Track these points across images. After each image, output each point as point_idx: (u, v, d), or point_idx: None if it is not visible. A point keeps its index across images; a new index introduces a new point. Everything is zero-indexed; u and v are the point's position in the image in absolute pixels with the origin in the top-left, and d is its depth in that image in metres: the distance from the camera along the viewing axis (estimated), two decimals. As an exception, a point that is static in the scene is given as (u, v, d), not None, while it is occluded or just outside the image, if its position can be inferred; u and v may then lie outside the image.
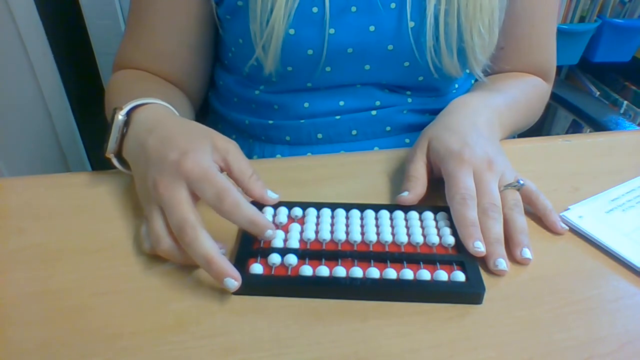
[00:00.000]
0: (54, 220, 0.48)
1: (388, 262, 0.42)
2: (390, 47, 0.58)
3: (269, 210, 0.46)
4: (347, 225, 0.46)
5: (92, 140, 1.27)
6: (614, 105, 1.53)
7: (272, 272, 0.41)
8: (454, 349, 0.36)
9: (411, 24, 0.57)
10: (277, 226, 0.45)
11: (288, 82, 0.61)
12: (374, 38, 0.58)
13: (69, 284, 0.41)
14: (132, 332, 0.37)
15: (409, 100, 0.64)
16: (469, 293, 0.40)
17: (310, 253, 0.43)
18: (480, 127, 0.51)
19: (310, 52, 0.57)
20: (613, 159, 0.59)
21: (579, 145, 0.62)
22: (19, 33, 1.06)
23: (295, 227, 0.45)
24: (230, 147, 0.44)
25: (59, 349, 0.36)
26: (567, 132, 1.58)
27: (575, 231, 0.47)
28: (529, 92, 0.66)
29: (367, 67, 0.60)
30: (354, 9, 0.57)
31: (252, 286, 0.40)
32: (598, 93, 1.55)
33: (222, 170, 0.43)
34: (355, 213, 0.47)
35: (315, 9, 0.56)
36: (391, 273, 0.40)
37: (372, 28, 0.57)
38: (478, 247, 0.42)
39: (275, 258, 0.41)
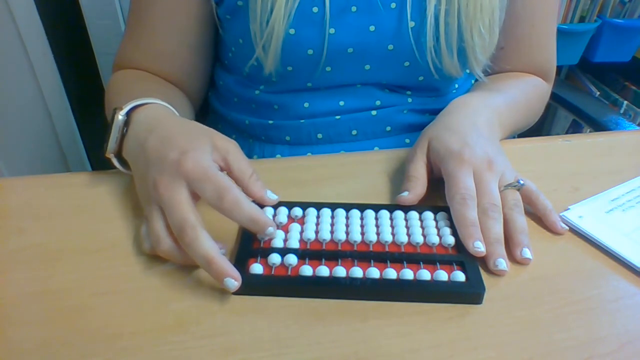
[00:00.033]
0: (54, 220, 0.48)
1: (388, 262, 0.42)
2: (390, 47, 0.58)
3: (269, 210, 0.46)
4: (347, 225, 0.46)
5: (92, 140, 1.27)
6: (614, 105, 1.53)
7: (272, 272, 0.41)
8: (454, 349, 0.36)
9: (411, 24, 0.57)
10: (277, 226, 0.45)
11: (288, 82, 0.61)
12: (374, 38, 0.58)
13: (69, 284, 0.41)
14: (132, 332, 0.37)
15: (409, 100, 0.64)
16: (469, 293, 0.40)
17: (310, 253, 0.43)
18: (480, 127, 0.51)
19: (310, 52, 0.57)
20: (613, 159, 0.59)
21: (579, 145, 0.62)
22: (19, 33, 1.06)
23: (295, 227, 0.45)
24: (231, 147, 0.44)
25: (59, 349, 0.36)
26: (567, 132, 1.58)
27: (575, 231, 0.47)
28: (529, 92, 0.66)
29: (367, 67, 0.60)
30: (354, 8, 0.57)
31: (252, 286, 0.40)
32: (598, 93, 1.55)
33: (222, 170, 0.43)
34: (355, 213, 0.47)
35: (315, 9, 0.56)
36: (391, 273, 0.40)
37: (372, 28, 0.57)
38: (478, 247, 0.42)
39: (275, 258, 0.41)
